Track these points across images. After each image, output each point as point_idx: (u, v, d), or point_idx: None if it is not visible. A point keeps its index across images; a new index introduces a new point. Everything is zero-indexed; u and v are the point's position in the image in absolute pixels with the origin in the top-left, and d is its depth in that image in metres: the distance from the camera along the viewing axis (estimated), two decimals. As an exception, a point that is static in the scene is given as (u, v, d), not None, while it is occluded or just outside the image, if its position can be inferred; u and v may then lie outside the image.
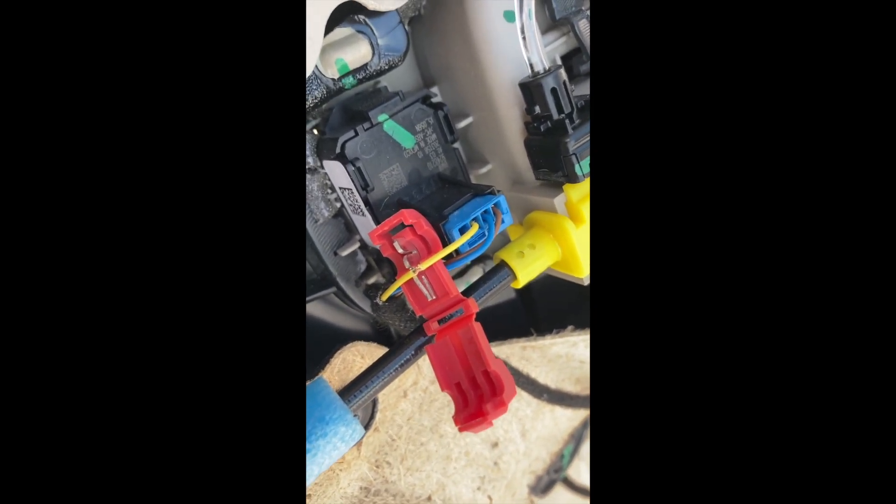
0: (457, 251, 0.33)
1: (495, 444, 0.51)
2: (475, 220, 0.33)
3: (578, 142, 0.33)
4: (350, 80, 0.37)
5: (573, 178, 0.33)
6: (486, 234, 0.34)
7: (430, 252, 0.32)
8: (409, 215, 0.31)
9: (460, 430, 0.30)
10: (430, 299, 0.32)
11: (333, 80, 0.36)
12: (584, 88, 0.40)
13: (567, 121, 0.33)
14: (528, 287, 0.53)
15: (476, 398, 0.31)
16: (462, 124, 0.41)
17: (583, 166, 0.33)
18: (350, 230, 0.40)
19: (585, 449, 0.71)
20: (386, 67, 0.38)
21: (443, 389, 0.32)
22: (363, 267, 0.42)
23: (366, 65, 0.37)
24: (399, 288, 0.33)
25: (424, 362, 0.46)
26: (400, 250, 0.33)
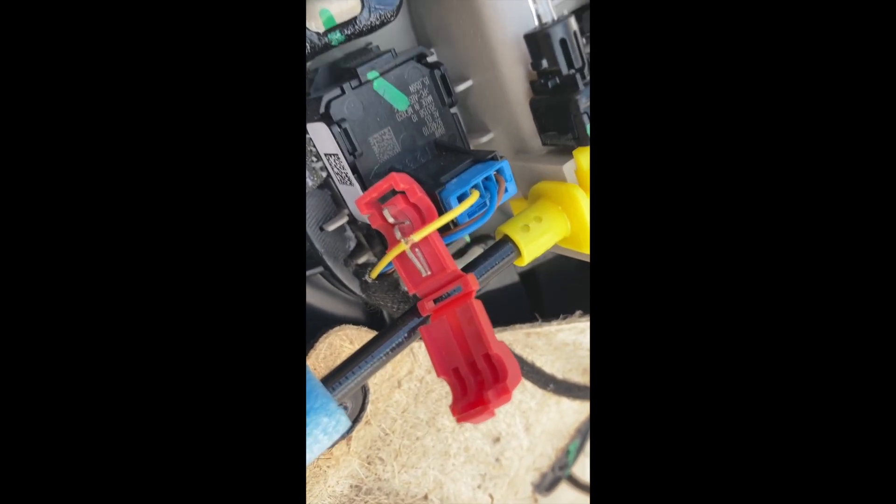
0: (454, 222, 0.30)
1: (497, 440, 0.47)
2: (475, 187, 0.30)
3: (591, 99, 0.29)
4: (337, 35, 0.33)
5: (584, 140, 0.30)
6: (488, 203, 0.30)
7: (424, 222, 0.28)
8: (400, 180, 0.28)
9: (458, 420, 0.26)
10: (424, 275, 0.29)
11: (318, 34, 0.32)
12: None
13: (578, 76, 0.29)
14: (533, 270, 0.50)
15: (476, 385, 0.27)
16: (461, 88, 0.37)
17: (596, 126, 0.29)
18: (337, 203, 0.37)
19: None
20: (377, 23, 0.34)
21: (439, 375, 0.28)
22: (352, 244, 0.38)
23: (354, 18, 0.33)
24: (390, 263, 0.30)
25: (420, 349, 0.42)
26: (391, 220, 0.29)
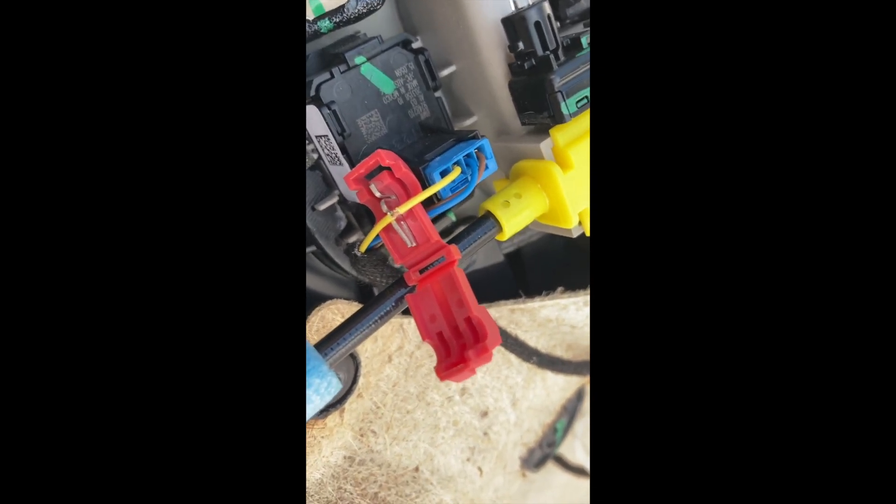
0: (438, 196, 0.32)
1: (485, 414, 0.49)
2: (457, 163, 0.32)
3: (564, 78, 0.31)
4: (326, 23, 0.35)
5: (559, 118, 0.32)
6: (469, 178, 0.32)
7: (408, 195, 0.30)
8: (385, 156, 0.30)
9: (441, 378, 0.28)
10: (410, 246, 0.31)
11: (308, 21, 0.34)
12: (572, 32, 0.38)
13: (552, 57, 0.31)
14: (518, 250, 0.52)
15: (458, 347, 0.29)
16: (445, 73, 0.39)
17: (569, 105, 0.31)
18: (328, 184, 0.38)
19: (579, 426, 0.69)
20: (364, 11, 0.36)
21: (424, 339, 0.30)
22: (343, 224, 0.40)
23: (342, 7, 0.35)
24: (378, 237, 0.32)
25: (409, 325, 0.44)
26: (377, 195, 0.31)
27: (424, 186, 0.31)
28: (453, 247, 0.30)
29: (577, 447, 0.71)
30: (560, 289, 0.45)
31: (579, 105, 0.32)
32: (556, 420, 0.58)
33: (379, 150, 0.29)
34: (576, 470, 0.70)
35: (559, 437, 0.63)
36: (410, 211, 0.30)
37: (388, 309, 0.31)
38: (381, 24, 0.40)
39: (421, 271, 0.31)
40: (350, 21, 0.36)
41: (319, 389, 0.29)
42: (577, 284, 0.46)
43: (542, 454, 0.60)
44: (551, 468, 0.67)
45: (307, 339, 0.31)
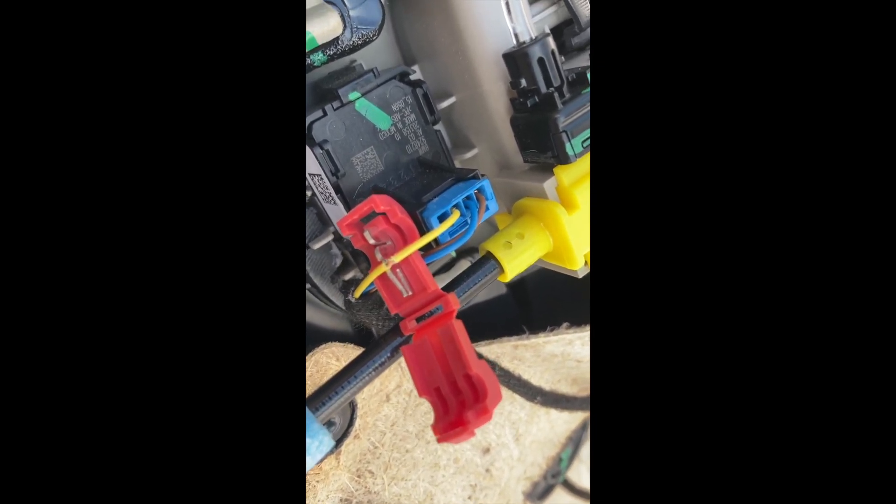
0: (436, 241, 0.30)
1: (487, 450, 0.47)
2: (456, 206, 0.30)
3: (569, 117, 0.29)
4: (319, 56, 0.33)
5: (564, 159, 0.30)
6: (469, 222, 0.30)
7: (405, 242, 0.29)
8: (380, 201, 0.28)
9: (439, 440, 0.27)
10: (405, 295, 0.29)
11: (300, 55, 0.33)
12: (577, 63, 0.37)
13: (556, 95, 0.30)
14: (521, 281, 0.50)
15: (457, 404, 0.27)
16: (445, 104, 0.37)
17: (574, 145, 0.29)
18: (323, 221, 0.37)
19: (585, 451, 0.67)
20: (359, 43, 0.34)
21: (421, 395, 0.28)
22: (339, 261, 0.38)
23: (336, 39, 0.33)
24: (373, 283, 0.30)
25: (408, 364, 0.42)
26: (372, 241, 0.29)
27: (422, 231, 0.29)
28: (451, 295, 0.28)
29: (584, 471, 0.69)
30: (565, 324, 0.43)
31: (584, 145, 0.30)
32: (561, 451, 0.56)
33: (374, 196, 0.28)
34: (583, 494, 0.68)
35: (564, 465, 0.61)
36: (406, 259, 0.28)
37: (382, 360, 0.30)
38: (377, 52, 0.39)
39: (418, 320, 0.29)
40: (345, 53, 0.34)
41: (311, 449, 0.28)
42: (582, 318, 0.44)
43: (547, 485, 0.58)
44: (558, 493, 0.65)
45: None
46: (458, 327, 0.28)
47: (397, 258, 0.28)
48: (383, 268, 0.28)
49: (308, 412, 0.28)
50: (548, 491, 0.59)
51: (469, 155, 0.39)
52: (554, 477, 0.59)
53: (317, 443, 0.28)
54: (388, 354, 0.30)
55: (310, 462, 0.28)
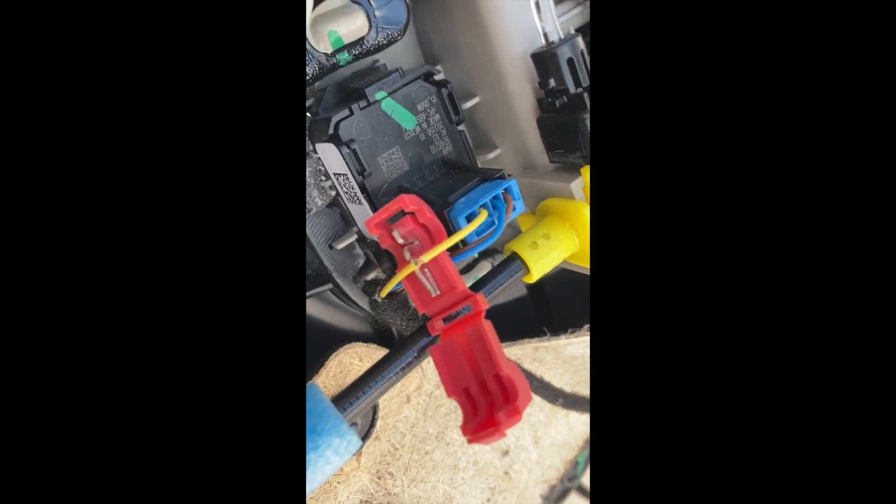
0: (463, 241, 0.30)
1: (506, 453, 0.47)
2: (483, 206, 0.30)
3: (599, 117, 0.29)
4: (345, 55, 0.33)
5: (593, 159, 0.30)
6: (496, 222, 0.30)
7: (433, 242, 0.28)
8: (409, 201, 0.28)
9: (469, 441, 0.26)
10: (433, 295, 0.29)
11: (326, 55, 0.33)
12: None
13: (585, 95, 0.29)
14: (541, 283, 0.50)
15: (487, 405, 0.27)
16: (468, 105, 0.37)
17: (604, 145, 0.29)
18: (346, 221, 0.37)
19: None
20: (384, 42, 0.34)
21: (449, 396, 0.28)
22: (361, 261, 0.38)
23: (362, 39, 0.33)
24: (399, 283, 0.30)
25: (429, 364, 0.42)
26: (400, 241, 0.29)
27: (449, 231, 0.29)
28: (480, 295, 0.28)
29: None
30: (586, 326, 0.43)
31: (613, 145, 0.30)
32: (578, 455, 0.56)
33: (402, 196, 0.28)
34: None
35: (580, 469, 0.61)
36: (434, 258, 0.28)
37: (409, 360, 0.30)
38: (401, 52, 0.39)
39: (445, 320, 0.29)
40: (369, 52, 0.34)
41: (339, 450, 0.27)
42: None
43: (563, 488, 0.58)
44: (572, 498, 0.65)
45: (324, 390, 0.30)
46: (488, 327, 0.27)
47: (426, 258, 0.28)
48: (412, 267, 0.28)
49: (337, 412, 0.28)
50: (564, 494, 0.59)
51: (492, 155, 0.39)
52: (570, 480, 0.59)
53: (345, 443, 0.28)
54: (415, 354, 0.30)
55: (338, 462, 0.28)
